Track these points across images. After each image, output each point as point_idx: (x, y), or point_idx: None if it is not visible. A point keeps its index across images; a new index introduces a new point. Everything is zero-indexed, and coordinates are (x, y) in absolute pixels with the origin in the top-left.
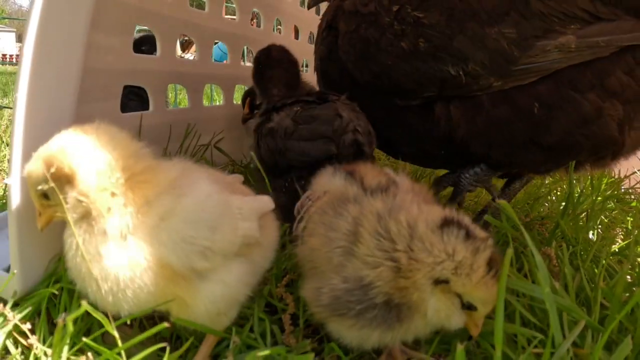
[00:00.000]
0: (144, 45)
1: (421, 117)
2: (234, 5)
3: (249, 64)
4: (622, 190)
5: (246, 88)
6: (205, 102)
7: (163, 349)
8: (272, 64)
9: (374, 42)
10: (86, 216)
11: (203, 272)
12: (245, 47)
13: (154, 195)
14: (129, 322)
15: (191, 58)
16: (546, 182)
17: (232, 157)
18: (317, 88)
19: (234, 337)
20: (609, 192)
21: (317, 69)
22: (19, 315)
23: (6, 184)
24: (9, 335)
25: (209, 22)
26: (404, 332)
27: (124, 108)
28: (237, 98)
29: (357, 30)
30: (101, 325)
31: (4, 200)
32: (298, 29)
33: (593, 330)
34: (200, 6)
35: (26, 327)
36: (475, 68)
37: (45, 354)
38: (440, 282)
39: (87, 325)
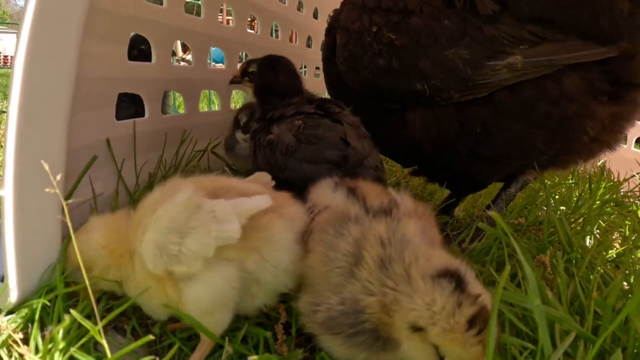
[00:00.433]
0: (143, 44)
1: (398, 120)
2: None
3: None
4: (622, 193)
5: (243, 93)
6: (205, 106)
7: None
8: (271, 74)
9: (359, 58)
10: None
11: (186, 274)
12: (242, 53)
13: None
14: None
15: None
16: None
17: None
18: (317, 88)
19: (227, 346)
20: (607, 196)
21: (323, 68)
22: (12, 325)
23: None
24: (4, 344)
25: (205, 28)
26: None
27: (116, 110)
28: (234, 103)
29: (347, 45)
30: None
31: None
32: (296, 34)
33: (585, 340)
34: (196, 11)
35: (18, 336)
36: (436, 84)
37: None
38: (417, 329)
39: (80, 334)
